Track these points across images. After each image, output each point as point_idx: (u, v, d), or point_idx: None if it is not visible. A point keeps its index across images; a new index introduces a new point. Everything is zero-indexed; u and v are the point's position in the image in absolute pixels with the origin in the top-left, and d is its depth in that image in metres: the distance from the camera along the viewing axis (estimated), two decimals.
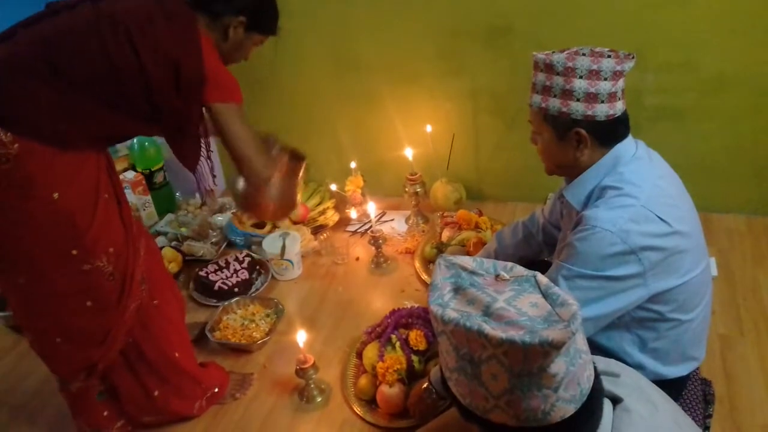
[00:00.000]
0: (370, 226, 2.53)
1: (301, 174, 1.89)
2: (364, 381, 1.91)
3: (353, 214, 2.78)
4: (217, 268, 2.48)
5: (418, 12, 2.49)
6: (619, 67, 1.35)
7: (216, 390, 1.95)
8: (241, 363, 2.13)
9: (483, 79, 2.57)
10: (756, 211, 2.56)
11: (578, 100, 1.36)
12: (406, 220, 2.75)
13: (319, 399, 1.95)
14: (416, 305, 2.11)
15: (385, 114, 2.75)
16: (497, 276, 0.96)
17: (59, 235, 1.47)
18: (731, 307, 2.13)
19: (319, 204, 2.82)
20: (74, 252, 1.49)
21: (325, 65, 2.71)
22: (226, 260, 2.51)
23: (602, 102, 1.36)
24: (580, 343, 0.88)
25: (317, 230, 2.73)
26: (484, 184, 2.84)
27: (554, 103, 1.39)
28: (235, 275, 2.44)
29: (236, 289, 2.39)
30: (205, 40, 1.52)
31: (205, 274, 2.45)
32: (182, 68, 1.46)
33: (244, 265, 2.48)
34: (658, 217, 1.33)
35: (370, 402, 1.89)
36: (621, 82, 1.38)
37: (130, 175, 2.77)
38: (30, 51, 1.40)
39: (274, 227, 2.74)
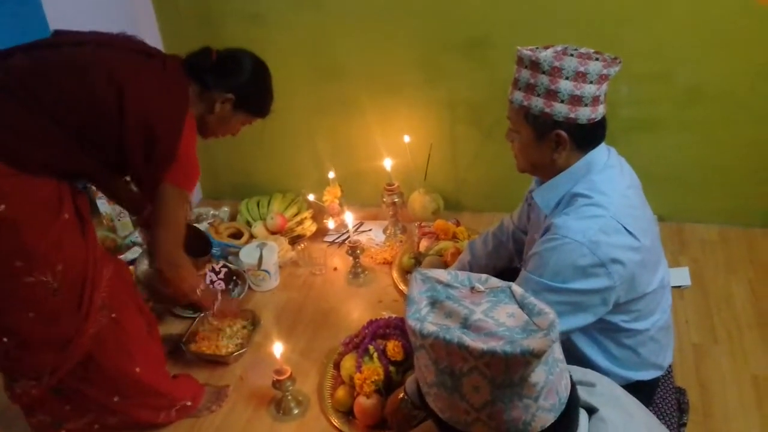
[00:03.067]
0: (348, 237, 2.53)
1: (204, 270, 2.09)
2: (341, 392, 1.89)
3: (331, 224, 2.77)
4: None
5: (397, 22, 2.50)
6: (605, 71, 1.33)
7: (189, 403, 1.92)
8: (218, 375, 2.11)
9: (461, 89, 2.58)
10: (728, 221, 2.60)
11: (562, 101, 1.33)
12: (384, 231, 2.74)
13: (296, 411, 1.93)
14: (394, 316, 2.10)
15: (364, 124, 2.75)
16: (472, 288, 0.96)
17: (2, 245, 1.45)
18: (705, 317, 2.16)
19: (297, 214, 2.81)
20: (18, 263, 1.47)
21: (303, 73, 2.70)
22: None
23: (586, 105, 1.33)
24: (557, 352, 0.88)
25: (295, 240, 2.71)
26: (462, 195, 2.86)
27: (537, 103, 1.35)
28: (211, 286, 2.41)
29: (222, 289, 2.36)
30: (189, 119, 1.59)
31: None
32: (157, 145, 1.52)
33: (221, 275, 2.45)
34: (626, 230, 1.33)
35: (348, 413, 1.88)
36: (605, 86, 1.36)
37: None
38: (17, 75, 1.43)
39: (251, 237, 2.72)
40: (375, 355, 1.88)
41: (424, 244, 2.47)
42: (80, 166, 1.54)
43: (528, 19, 2.36)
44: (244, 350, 2.15)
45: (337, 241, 2.74)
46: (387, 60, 2.60)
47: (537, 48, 1.37)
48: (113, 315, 1.68)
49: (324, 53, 2.65)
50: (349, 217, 2.51)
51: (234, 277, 2.50)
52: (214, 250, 2.63)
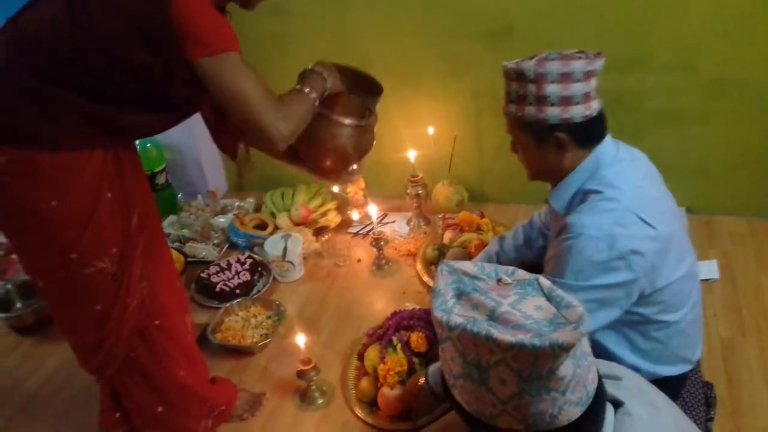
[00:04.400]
0: (372, 228, 2.53)
1: (375, 112, 1.64)
2: (365, 383, 1.90)
3: (355, 215, 2.78)
4: (218, 269, 2.47)
5: (418, 14, 2.49)
6: (590, 67, 1.35)
7: (223, 408, 1.88)
8: (243, 364, 2.13)
9: (485, 80, 2.56)
10: (758, 213, 2.55)
11: (553, 104, 1.35)
12: (408, 222, 2.74)
13: (320, 401, 1.95)
14: (417, 307, 2.10)
15: (387, 116, 2.73)
16: (499, 280, 0.95)
17: (57, 242, 1.42)
18: (733, 310, 2.12)
19: (321, 206, 2.82)
20: (73, 256, 1.43)
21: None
22: (228, 262, 2.50)
23: (577, 103, 1.35)
24: (585, 345, 0.88)
25: (319, 232, 2.72)
26: (486, 186, 2.84)
27: (530, 111, 1.38)
28: (236, 277, 2.43)
29: (238, 291, 2.39)
30: None
31: (206, 276, 2.45)
32: (146, 23, 1.25)
33: (246, 266, 2.48)
34: (642, 220, 1.33)
35: (371, 404, 1.89)
36: (593, 82, 1.38)
37: None
38: (8, 53, 1.32)
39: (276, 228, 2.74)
40: (398, 346, 1.88)
41: (448, 236, 2.46)
42: (116, 121, 1.38)
43: (551, 8, 2.34)
44: (268, 340, 2.17)
45: (361, 232, 2.74)
46: (410, 52, 2.59)
47: (521, 60, 1.40)
48: (156, 322, 1.62)
49: (347, 46, 2.65)
50: (373, 209, 2.51)
51: (259, 268, 2.52)
52: (240, 241, 2.67)
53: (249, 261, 2.51)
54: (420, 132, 2.69)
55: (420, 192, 2.65)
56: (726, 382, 1.86)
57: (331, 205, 2.82)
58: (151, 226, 1.65)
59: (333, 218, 2.77)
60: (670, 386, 1.42)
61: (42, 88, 1.31)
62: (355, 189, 2.76)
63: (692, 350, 1.53)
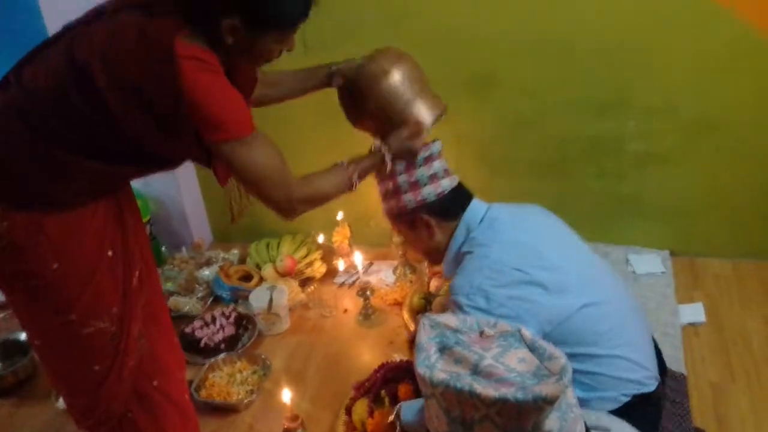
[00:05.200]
0: (358, 278, 2.52)
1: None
2: None
3: (341, 265, 2.77)
4: (203, 323, 2.44)
5: None
6: (426, 153, 1.57)
7: None
8: (228, 423, 2.08)
9: (466, 126, 2.59)
10: (742, 254, 2.57)
11: (405, 192, 1.58)
12: (394, 271, 2.73)
13: None
14: (405, 358, 2.08)
15: None
16: (482, 333, 0.95)
17: (56, 303, 1.40)
18: (721, 354, 2.12)
19: (306, 256, 2.81)
20: (72, 317, 1.40)
21: (308, 115, 2.72)
22: (213, 315, 2.47)
23: (425, 185, 1.56)
24: (570, 396, 0.87)
25: (305, 282, 2.71)
26: None
27: (392, 203, 1.61)
28: (221, 331, 2.40)
29: (222, 346, 2.35)
30: (185, 60, 1.23)
31: (191, 331, 2.41)
32: (153, 100, 1.24)
33: (231, 320, 2.45)
34: (514, 269, 1.42)
35: None
36: (437, 164, 1.59)
37: None
38: (16, 119, 1.31)
39: (261, 280, 2.72)
40: (387, 400, 1.85)
41: (434, 284, 2.45)
42: (118, 177, 1.42)
43: (532, 55, 2.38)
44: (254, 397, 2.13)
45: (347, 282, 2.73)
46: None
47: None
48: (154, 383, 1.58)
49: (328, 97, 2.67)
50: (359, 258, 2.51)
51: (244, 322, 2.49)
52: (225, 294, 2.64)
53: (234, 314, 2.48)
54: None
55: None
56: (717, 427, 1.84)
57: (317, 255, 2.81)
58: (151, 282, 1.63)
59: (318, 268, 2.76)
60: (643, 410, 1.43)
61: (52, 153, 1.31)
62: (340, 238, 2.76)
63: (638, 372, 1.51)
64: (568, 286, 1.45)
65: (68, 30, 1.35)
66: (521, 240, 1.50)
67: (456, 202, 1.59)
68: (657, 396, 1.55)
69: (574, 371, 1.42)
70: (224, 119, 1.29)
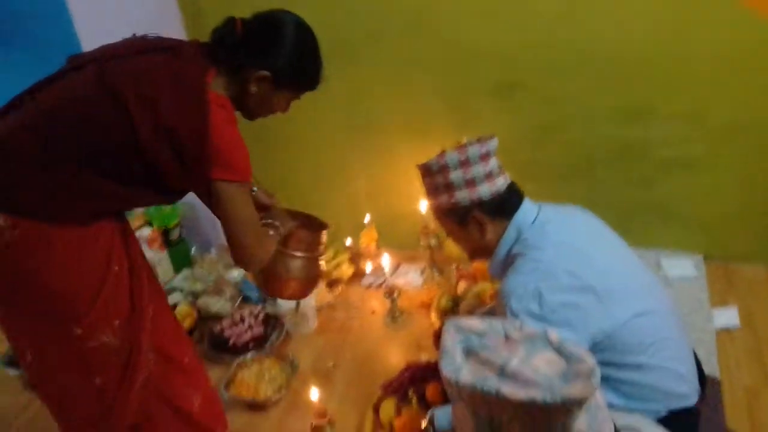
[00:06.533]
0: (385, 280, 2.53)
1: (322, 245, 1.86)
2: None
3: (368, 267, 2.78)
4: (232, 323, 2.47)
5: (428, 70, 2.54)
6: (483, 150, 1.49)
7: None
8: (257, 420, 2.10)
9: (491, 131, 2.56)
10: None
11: (460, 188, 1.50)
12: (421, 273, 2.73)
13: None
14: (432, 359, 2.08)
15: (398, 168, 2.77)
16: (507, 336, 0.95)
17: (61, 317, 1.41)
18: (756, 358, 2.08)
19: (334, 258, 2.82)
20: (77, 331, 1.42)
21: (338, 123, 2.75)
22: (241, 315, 2.50)
23: (481, 183, 1.49)
24: (599, 398, 0.86)
25: (332, 284, 2.72)
26: None
27: (443, 199, 1.54)
28: (249, 330, 2.43)
29: (251, 345, 2.37)
30: (214, 107, 1.38)
31: (219, 330, 2.44)
32: (185, 147, 1.35)
33: (259, 320, 2.47)
34: (568, 273, 1.38)
35: None
36: (492, 161, 1.52)
37: (146, 231, 2.78)
38: (23, 131, 1.35)
39: None
40: (414, 399, 1.85)
41: (462, 287, 2.45)
42: (123, 201, 1.46)
43: (557, 61, 2.37)
44: (282, 394, 2.14)
45: (374, 284, 2.73)
46: (419, 107, 2.63)
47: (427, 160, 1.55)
48: (165, 396, 1.61)
49: (358, 103, 2.70)
50: (386, 260, 2.51)
51: (272, 322, 2.51)
52: (253, 294, 2.67)
53: (262, 314, 2.50)
54: None
55: (432, 243, 2.65)
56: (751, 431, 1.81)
57: (344, 256, 2.82)
58: (158, 299, 1.65)
59: (346, 270, 2.77)
60: (680, 423, 1.40)
61: (64, 170, 1.35)
62: (367, 240, 2.77)
63: (685, 385, 1.50)
64: (618, 294, 1.42)
65: (91, 62, 1.42)
66: (573, 244, 1.47)
67: (510, 201, 1.54)
68: (697, 409, 1.53)
69: (620, 381, 1.42)
70: (235, 163, 1.42)
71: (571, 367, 0.86)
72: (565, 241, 1.46)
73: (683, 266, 2.51)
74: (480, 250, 1.60)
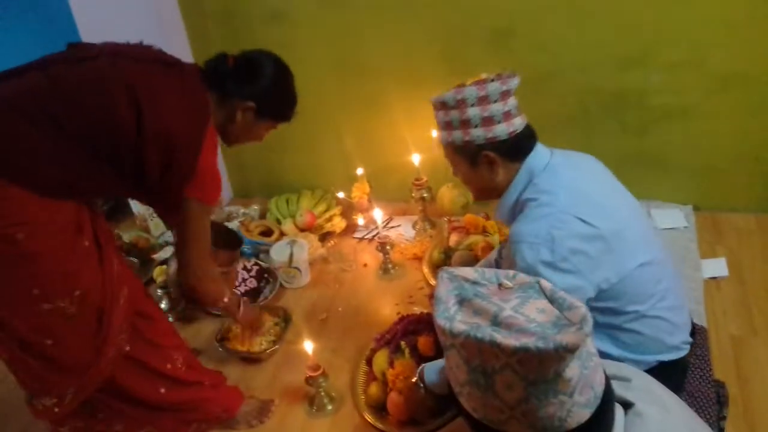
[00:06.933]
0: (377, 233, 2.53)
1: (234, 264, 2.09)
2: (374, 388, 1.90)
3: (360, 220, 2.78)
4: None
5: (421, 16, 2.49)
6: (504, 87, 1.43)
7: (223, 412, 1.89)
8: (251, 372, 2.13)
9: None
10: (765, 209, 2.54)
11: (476, 126, 1.45)
12: (413, 226, 2.74)
13: (329, 407, 1.94)
14: (425, 311, 2.10)
15: (391, 119, 2.75)
16: (500, 285, 0.95)
17: (19, 274, 1.42)
18: (743, 308, 2.11)
19: (326, 211, 2.82)
20: (35, 291, 1.44)
21: (329, 71, 2.71)
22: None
23: (499, 122, 1.44)
24: (590, 346, 0.87)
25: (324, 237, 2.72)
26: None
27: (457, 135, 1.49)
28: (243, 284, 2.44)
29: (244, 298, 2.38)
30: (209, 130, 1.53)
31: None
32: (176, 159, 1.47)
33: (252, 273, 2.48)
34: (580, 220, 1.36)
35: (381, 409, 1.88)
36: (512, 101, 1.46)
37: None
38: (33, 96, 1.39)
39: (281, 235, 2.74)
40: (407, 350, 1.88)
41: (454, 239, 2.46)
42: (100, 185, 1.50)
43: (552, 8, 2.33)
44: (276, 347, 2.17)
45: (366, 237, 2.74)
46: (411, 56, 2.59)
47: (443, 93, 1.50)
48: (126, 348, 1.64)
49: (349, 50, 2.65)
50: (378, 213, 2.51)
51: (265, 275, 2.52)
52: (246, 248, 2.67)
53: (255, 268, 2.51)
54: (423, 135, 2.68)
55: (425, 195, 2.64)
56: (737, 381, 1.85)
57: (336, 210, 2.82)
58: (130, 280, 1.70)
59: (338, 223, 2.77)
60: (669, 374, 1.42)
61: (61, 141, 1.39)
62: (359, 194, 2.76)
63: (679, 335, 1.52)
64: (626, 243, 1.41)
65: (107, 55, 1.49)
66: (585, 190, 1.44)
67: (524, 143, 1.49)
68: (686, 360, 1.56)
69: (619, 329, 1.44)
70: (209, 186, 1.57)
71: (563, 315, 0.86)
72: (578, 187, 1.44)
73: (673, 217, 2.52)
74: (488, 191, 1.57)
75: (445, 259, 2.40)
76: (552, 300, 0.90)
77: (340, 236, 2.76)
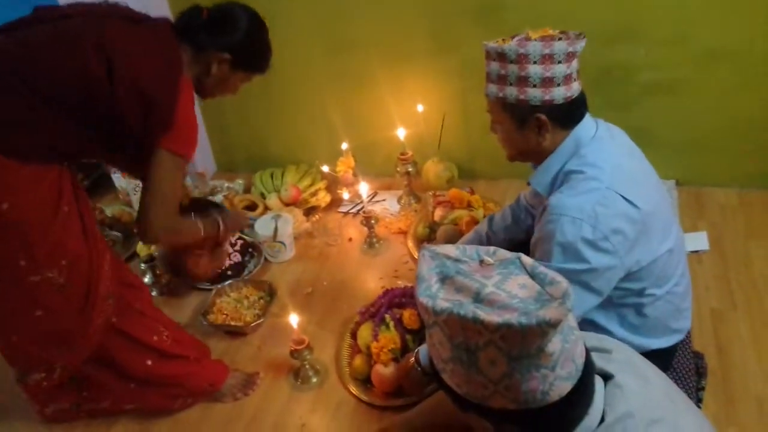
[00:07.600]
0: (362, 207, 2.53)
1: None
2: (358, 361, 1.91)
3: (345, 194, 2.77)
4: None
5: None
6: (571, 48, 1.33)
7: (208, 386, 1.91)
8: (236, 345, 2.13)
9: (473, 57, 2.47)
10: (748, 184, 2.56)
11: (534, 85, 1.35)
12: (398, 200, 2.74)
13: (314, 380, 1.96)
14: (409, 285, 2.11)
15: (377, 94, 2.73)
16: (481, 261, 0.95)
17: (6, 245, 1.43)
18: (723, 281, 2.14)
19: (311, 185, 2.81)
20: (22, 263, 1.45)
21: (315, 44, 2.68)
22: None
23: (558, 85, 1.35)
24: (572, 319, 0.88)
25: (309, 212, 2.72)
26: (476, 163, 2.83)
27: (511, 92, 1.38)
28: (228, 258, 2.43)
29: (229, 272, 2.38)
30: (185, 83, 1.51)
31: None
32: (153, 111, 1.44)
33: (237, 248, 2.47)
34: (624, 198, 1.32)
35: (365, 381, 1.90)
36: (575, 63, 1.37)
37: None
38: (1, 61, 1.38)
39: (266, 209, 2.73)
40: (391, 323, 1.89)
41: (438, 213, 2.46)
42: (80, 145, 1.50)
43: None
44: (261, 320, 2.17)
45: (351, 211, 2.74)
46: (399, 29, 2.56)
47: (502, 39, 1.39)
48: (113, 319, 1.66)
49: (336, 23, 2.62)
50: (364, 188, 2.50)
51: (250, 249, 2.51)
52: None
53: (240, 242, 2.50)
54: (409, 110, 2.67)
55: (410, 170, 2.64)
56: (716, 353, 1.88)
57: (321, 184, 2.81)
58: (112, 253, 1.72)
59: (323, 198, 2.76)
60: (661, 357, 1.43)
61: (33, 104, 1.38)
62: (344, 168, 2.75)
63: (682, 321, 1.54)
64: (659, 226, 1.40)
65: (77, 15, 1.49)
66: (628, 167, 1.40)
67: (577, 111, 1.41)
68: (676, 345, 1.57)
69: (631, 307, 1.44)
70: (184, 140, 1.53)
71: (544, 290, 0.87)
72: (621, 164, 1.38)
73: None
74: (527, 155, 1.48)
75: (429, 234, 2.41)
76: (533, 275, 0.91)
77: (325, 210, 2.75)
